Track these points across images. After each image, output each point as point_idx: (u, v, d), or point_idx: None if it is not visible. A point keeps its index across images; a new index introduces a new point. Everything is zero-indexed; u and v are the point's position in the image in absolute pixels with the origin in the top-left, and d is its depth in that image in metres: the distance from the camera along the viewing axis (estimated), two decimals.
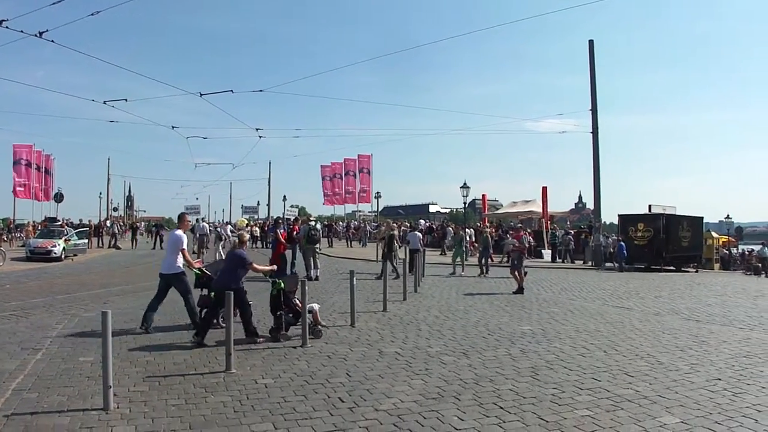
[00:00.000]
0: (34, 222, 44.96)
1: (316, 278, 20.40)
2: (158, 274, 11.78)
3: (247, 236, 13.53)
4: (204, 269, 12.04)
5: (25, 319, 12.48)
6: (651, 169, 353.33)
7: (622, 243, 31.02)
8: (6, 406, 6.65)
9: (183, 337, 10.64)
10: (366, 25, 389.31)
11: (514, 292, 17.73)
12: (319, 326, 10.91)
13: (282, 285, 10.82)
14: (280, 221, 27.27)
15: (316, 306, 11.10)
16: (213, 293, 10.88)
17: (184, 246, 11.67)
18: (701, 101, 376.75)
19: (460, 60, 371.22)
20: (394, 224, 30.33)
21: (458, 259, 25.28)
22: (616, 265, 31.18)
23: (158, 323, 11.85)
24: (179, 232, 12.05)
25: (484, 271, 24.30)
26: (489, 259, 24.82)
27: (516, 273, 18.31)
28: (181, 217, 13.12)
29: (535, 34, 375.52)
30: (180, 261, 11.56)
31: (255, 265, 11.12)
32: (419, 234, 26.23)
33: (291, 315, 10.72)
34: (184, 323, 11.87)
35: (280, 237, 20.44)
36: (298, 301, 10.64)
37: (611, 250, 33.64)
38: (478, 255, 26.17)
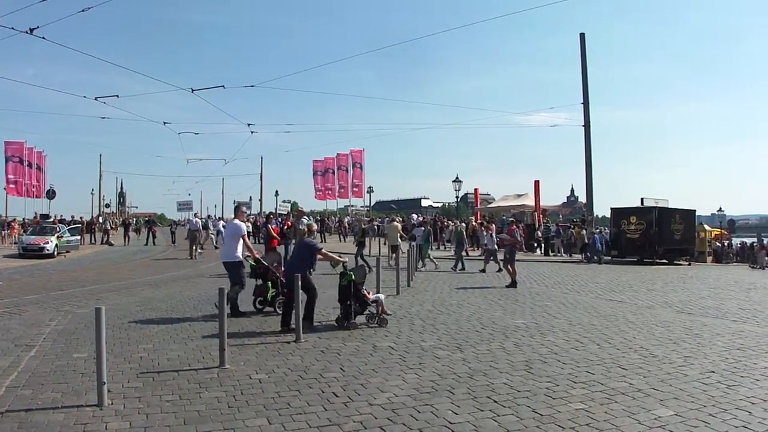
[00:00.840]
0: (24, 219, 44.76)
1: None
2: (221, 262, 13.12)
3: (315, 226, 14.25)
4: (261, 260, 13.05)
5: (18, 315, 12.43)
6: (643, 162, 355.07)
7: (596, 236, 31.18)
8: (0, 403, 6.63)
9: (177, 333, 10.62)
10: (357, 20, 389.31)
11: (507, 286, 17.75)
12: (385, 315, 11.61)
13: (353, 276, 11.45)
14: (272, 216, 27.21)
15: (381, 296, 11.96)
16: (267, 280, 12.77)
17: (245, 233, 12.82)
18: (692, 94, 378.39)
19: (451, 54, 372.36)
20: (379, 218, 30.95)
21: (429, 253, 24.93)
22: (586, 257, 31.39)
23: (153, 319, 11.86)
24: (238, 221, 13.28)
25: (458, 265, 23.90)
26: (465, 253, 24.53)
27: (509, 267, 18.33)
28: (238, 208, 14.82)
29: (526, 28, 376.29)
30: (239, 250, 12.53)
31: (325, 252, 12.09)
32: (422, 229, 26.87)
33: (358, 305, 11.39)
34: (177, 317, 11.91)
35: (272, 232, 20.46)
36: (366, 292, 11.53)
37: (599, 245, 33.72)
38: (454, 248, 25.87)
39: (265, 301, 13.00)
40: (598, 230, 35.75)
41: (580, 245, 33.23)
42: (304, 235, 12.08)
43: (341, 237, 48.00)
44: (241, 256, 12.64)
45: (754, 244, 42.86)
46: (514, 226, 20.82)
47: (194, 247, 30.57)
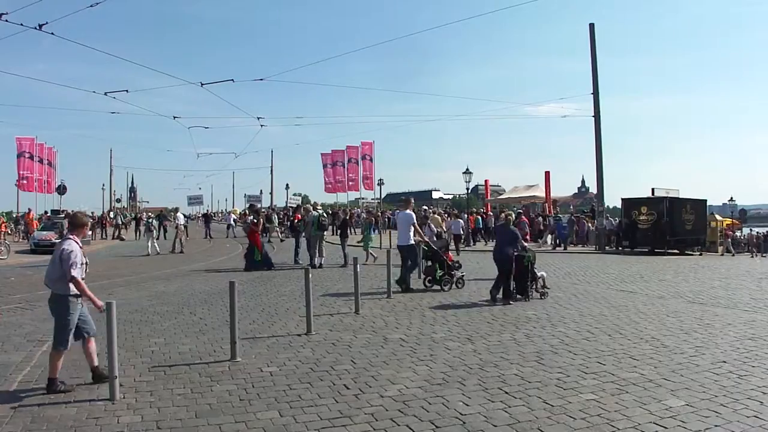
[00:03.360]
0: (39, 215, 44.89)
1: (320, 266, 20.40)
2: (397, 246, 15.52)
3: (512, 216, 15.95)
4: (431, 244, 15.28)
5: (30, 311, 12.49)
6: (654, 152, 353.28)
7: (561, 223, 31.18)
8: (13, 398, 6.67)
9: (189, 327, 10.67)
10: (366, 13, 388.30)
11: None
12: (547, 289, 13.93)
13: (532, 258, 13.77)
14: (255, 209, 26.82)
15: (544, 273, 14.21)
16: (435, 262, 15.00)
17: (415, 221, 15.17)
18: (704, 84, 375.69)
19: (460, 46, 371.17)
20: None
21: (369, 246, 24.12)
22: (550, 243, 31.72)
23: (164, 314, 11.94)
24: (408, 211, 15.63)
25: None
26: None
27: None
28: (407, 200, 17.08)
29: (535, 18, 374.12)
30: (412, 235, 14.93)
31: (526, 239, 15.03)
32: (461, 221, 29.80)
33: (528, 282, 13.60)
34: (188, 311, 11.96)
35: (252, 226, 20.69)
36: (537, 272, 13.88)
37: (613, 235, 33.66)
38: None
39: (433, 280, 15.10)
40: (558, 219, 35.40)
41: (593, 236, 33.20)
42: (510, 222, 14.07)
43: (352, 230, 47.95)
44: (413, 240, 15.01)
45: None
46: (523, 218, 20.78)
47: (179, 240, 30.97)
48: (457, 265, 15.37)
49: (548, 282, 14.61)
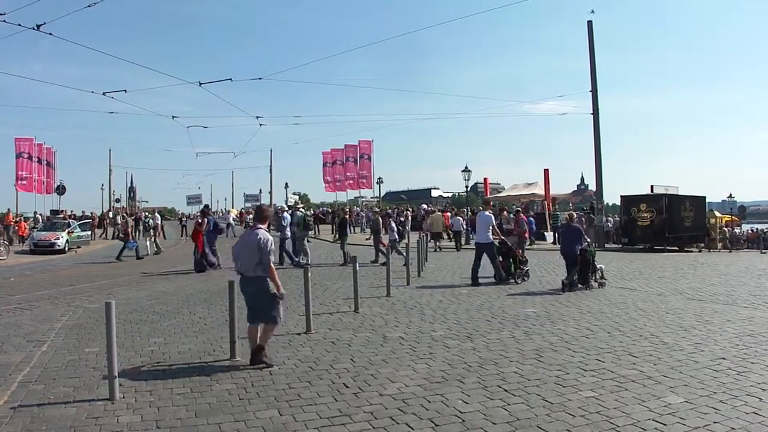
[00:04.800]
0: (33, 214, 44.65)
1: (306, 265, 20.41)
2: (476, 243, 16.90)
3: (574, 216, 18.42)
4: (506, 241, 16.82)
5: (29, 311, 12.51)
6: (653, 149, 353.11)
7: (531, 218, 31.26)
8: (13, 398, 6.68)
9: (188, 326, 10.68)
10: (365, 11, 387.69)
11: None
12: (604, 280, 15.40)
13: (593, 252, 15.71)
14: (205, 211, 25.72)
15: (602, 266, 15.71)
16: (509, 257, 16.37)
17: (494, 223, 16.53)
18: (703, 81, 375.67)
19: (459, 44, 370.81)
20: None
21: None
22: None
23: (164, 313, 11.96)
24: (488, 212, 17.26)
25: (376, 257, 22.63)
26: (380, 245, 22.84)
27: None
28: (487, 202, 19.51)
29: (534, 16, 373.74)
30: (490, 234, 16.12)
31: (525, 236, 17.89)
32: (461, 218, 31.79)
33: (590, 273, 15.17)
34: (187, 311, 11.98)
35: (197, 226, 20.95)
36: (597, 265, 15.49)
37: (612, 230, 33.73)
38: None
39: (507, 272, 16.26)
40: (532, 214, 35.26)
41: (592, 234, 33.21)
42: (571, 222, 16.02)
43: (350, 228, 47.90)
44: (491, 238, 16.14)
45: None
46: (522, 216, 20.76)
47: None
48: (524, 260, 16.89)
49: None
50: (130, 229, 28.00)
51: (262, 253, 7.83)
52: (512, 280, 16.23)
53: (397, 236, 22.81)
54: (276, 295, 7.95)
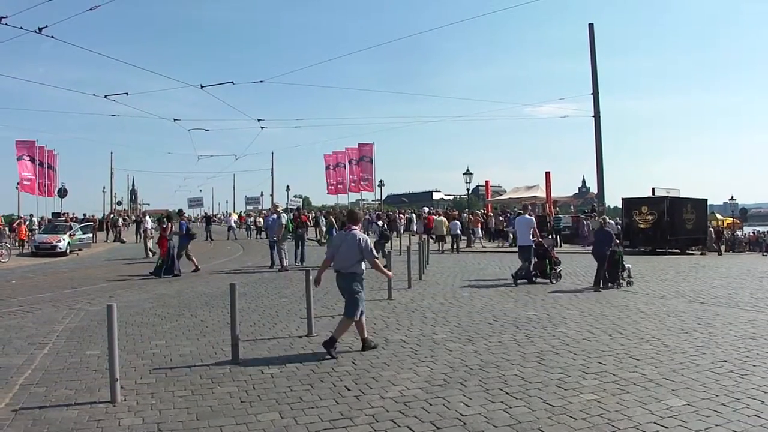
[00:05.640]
0: (31, 217, 44.45)
1: (287, 269, 20.64)
2: (518, 246, 17.56)
3: (607, 220, 20.08)
4: (542, 243, 17.67)
5: (31, 314, 12.52)
6: (655, 152, 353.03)
7: (517, 218, 31.49)
8: (14, 400, 6.69)
9: (190, 329, 10.69)
10: (366, 14, 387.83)
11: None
12: (632, 278, 16.55)
13: (621, 253, 16.61)
14: (166, 215, 25.99)
15: (630, 265, 16.78)
16: (545, 258, 17.14)
17: (534, 225, 17.36)
18: (704, 83, 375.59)
19: (459, 47, 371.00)
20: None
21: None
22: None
23: (165, 316, 11.98)
24: (528, 216, 17.89)
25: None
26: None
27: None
28: (526, 207, 20.70)
29: (535, 19, 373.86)
30: (531, 236, 16.83)
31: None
32: (459, 222, 32.49)
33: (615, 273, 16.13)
34: (189, 313, 11.99)
35: (162, 232, 20.86)
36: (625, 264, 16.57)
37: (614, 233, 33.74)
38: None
39: (542, 273, 17.06)
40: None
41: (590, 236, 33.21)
42: (604, 225, 17.38)
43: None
44: (532, 241, 16.81)
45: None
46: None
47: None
48: (558, 261, 17.58)
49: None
50: (168, 233, 28.14)
51: (362, 251, 8.72)
52: (547, 281, 16.97)
53: (379, 237, 22.85)
54: (358, 291, 8.80)
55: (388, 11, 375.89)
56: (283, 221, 21.85)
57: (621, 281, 16.21)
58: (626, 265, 16.59)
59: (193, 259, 21.18)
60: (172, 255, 20.07)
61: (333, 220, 24.17)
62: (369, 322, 10.98)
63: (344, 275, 8.81)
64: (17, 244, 34.15)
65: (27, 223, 39.11)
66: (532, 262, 16.95)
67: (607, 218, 20.00)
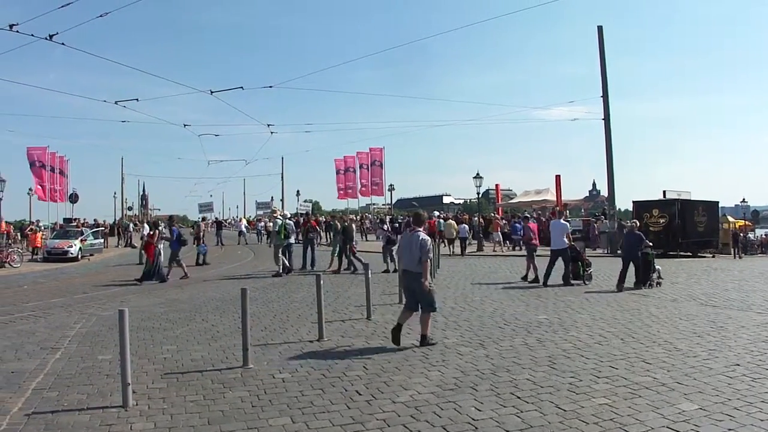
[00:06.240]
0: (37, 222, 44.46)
1: (281, 275, 20.62)
2: (551, 249, 17.72)
3: (637, 224, 20.42)
4: (575, 246, 18.11)
5: (43, 319, 12.58)
6: (665, 154, 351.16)
7: (517, 224, 31.47)
8: (27, 405, 6.72)
9: (201, 334, 10.71)
10: (373, 19, 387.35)
11: (531, 282, 17.80)
12: (661, 279, 17.23)
13: (653, 255, 17.33)
14: (153, 222, 26.02)
15: (660, 267, 17.40)
16: (578, 261, 17.64)
17: (568, 229, 18.02)
18: (715, 85, 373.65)
19: (468, 51, 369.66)
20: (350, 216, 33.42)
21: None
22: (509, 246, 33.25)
23: (177, 321, 12.01)
24: (563, 221, 18.54)
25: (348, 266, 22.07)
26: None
27: (532, 262, 18.39)
28: (560, 211, 21.08)
29: (543, 22, 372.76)
30: (564, 240, 17.27)
31: (533, 243, 19.09)
32: (466, 226, 33.42)
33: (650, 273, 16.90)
34: (200, 318, 12.02)
35: (149, 238, 20.77)
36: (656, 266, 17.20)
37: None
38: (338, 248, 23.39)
39: (576, 275, 17.53)
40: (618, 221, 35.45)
41: (605, 239, 33.14)
42: (633, 229, 17.97)
43: (363, 236, 47.86)
44: (566, 244, 17.25)
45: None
46: (529, 223, 20.87)
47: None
48: (589, 263, 18.11)
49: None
50: (201, 234, 28.84)
51: (421, 251, 9.33)
52: (580, 282, 17.49)
53: (386, 242, 22.81)
54: (432, 288, 9.61)
55: (396, 16, 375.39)
56: (277, 227, 21.77)
57: (651, 282, 16.73)
58: (656, 267, 17.16)
59: (183, 266, 21.06)
60: (158, 261, 19.99)
61: (338, 224, 24.19)
62: (380, 327, 11.03)
63: (412, 274, 9.50)
64: (30, 250, 34.19)
65: (44, 229, 39.10)
66: (569, 265, 17.44)
67: (637, 222, 20.78)
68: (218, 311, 13.16)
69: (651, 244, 18.29)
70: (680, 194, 32.66)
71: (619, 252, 31.10)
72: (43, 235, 36.95)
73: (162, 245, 20.29)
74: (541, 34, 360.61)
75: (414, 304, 9.65)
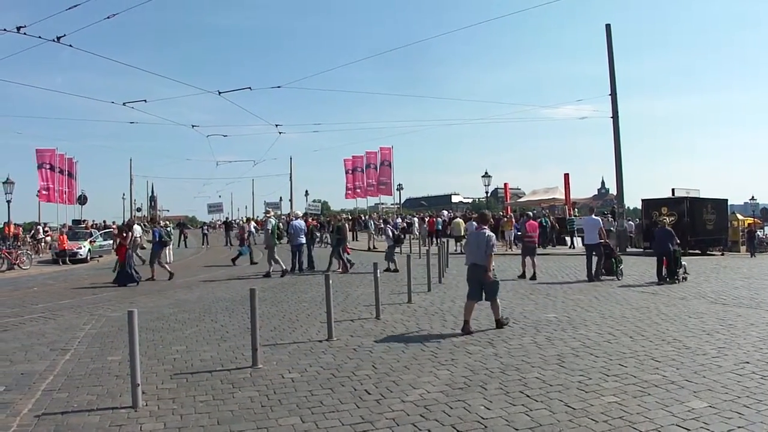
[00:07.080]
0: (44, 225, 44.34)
1: (269, 275, 20.71)
2: (585, 245, 19.30)
3: (667, 220, 23.23)
4: (609, 243, 19.12)
5: (53, 320, 12.62)
6: (674, 152, 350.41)
7: (584, 218, 31.36)
8: (37, 406, 6.74)
9: (210, 334, 10.74)
10: (380, 19, 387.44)
11: (530, 279, 18.31)
12: (687, 274, 18.06)
13: (680, 252, 18.22)
14: (129, 224, 25.86)
15: (686, 263, 18.30)
16: (610, 258, 18.48)
17: (602, 225, 18.84)
18: (723, 83, 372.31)
19: (475, 50, 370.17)
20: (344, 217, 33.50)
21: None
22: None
23: (186, 321, 12.03)
24: (596, 217, 19.90)
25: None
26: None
27: (533, 260, 18.94)
28: (593, 209, 22.75)
29: (551, 20, 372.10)
30: (597, 235, 18.15)
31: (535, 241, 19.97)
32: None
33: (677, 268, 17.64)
34: (209, 319, 12.05)
35: (121, 240, 20.46)
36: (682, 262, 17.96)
37: (631, 234, 33.70)
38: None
39: (608, 271, 18.36)
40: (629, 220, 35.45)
41: (614, 237, 33.08)
42: (664, 226, 18.87)
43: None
44: (598, 240, 18.17)
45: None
46: (529, 222, 20.96)
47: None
48: (620, 259, 19.04)
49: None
50: (246, 235, 29.22)
51: (487, 245, 10.50)
52: (613, 277, 18.24)
53: (393, 242, 22.80)
54: (496, 278, 10.91)
55: (403, 16, 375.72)
56: (270, 227, 21.77)
57: (678, 277, 17.45)
58: (683, 263, 17.91)
59: (166, 266, 21.11)
60: (130, 263, 19.73)
61: (336, 224, 24.24)
62: (389, 326, 11.04)
63: (478, 267, 10.64)
64: (54, 253, 33.82)
65: (66, 232, 38.95)
66: (602, 261, 18.35)
67: (667, 219, 23.32)
68: (227, 311, 13.19)
69: (679, 241, 18.89)
70: (689, 192, 32.53)
71: (628, 249, 31.27)
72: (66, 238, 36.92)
73: (137, 248, 20.17)
74: (550, 33, 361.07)
75: (478, 293, 10.69)
